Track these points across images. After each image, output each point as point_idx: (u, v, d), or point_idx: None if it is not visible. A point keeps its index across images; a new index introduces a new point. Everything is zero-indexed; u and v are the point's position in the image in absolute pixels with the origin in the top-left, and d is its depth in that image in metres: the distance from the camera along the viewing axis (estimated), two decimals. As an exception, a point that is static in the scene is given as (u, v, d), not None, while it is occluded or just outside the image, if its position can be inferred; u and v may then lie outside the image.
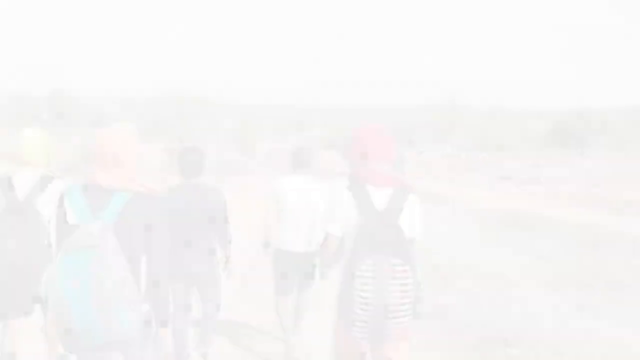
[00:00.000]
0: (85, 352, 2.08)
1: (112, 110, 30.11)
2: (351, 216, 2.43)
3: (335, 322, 2.51)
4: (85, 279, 2.02)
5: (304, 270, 3.91)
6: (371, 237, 2.37)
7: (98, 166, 2.27)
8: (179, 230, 3.27)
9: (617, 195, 14.88)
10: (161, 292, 2.25)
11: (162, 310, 2.23)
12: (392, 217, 2.42)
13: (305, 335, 4.09)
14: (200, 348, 3.75)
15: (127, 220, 2.18)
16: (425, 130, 74.53)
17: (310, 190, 3.91)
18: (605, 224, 10.67)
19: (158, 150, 16.85)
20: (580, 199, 14.52)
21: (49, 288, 2.11)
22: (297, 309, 4.11)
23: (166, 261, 2.32)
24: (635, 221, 11.03)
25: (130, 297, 2.08)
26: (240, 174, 18.11)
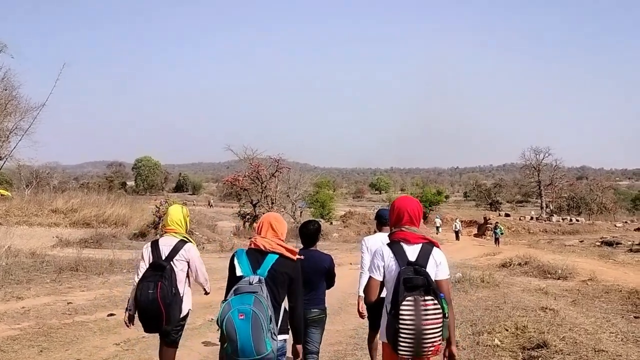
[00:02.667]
0: None
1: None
2: (391, 266, 3.37)
3: (383, 345, 3.44)
4: (247, 314, 3.16)
5: None
6: (407, 282, 3.21)
7: (258, 233, 3.62)
8: (307, 284, 4.34)
9: None
10: (298, 327, 3.62)
11: (297, 338, 3.66)
12: (421, 265, 3.31)
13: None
14: None
15: (275, 275, 3.46)
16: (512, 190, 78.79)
17: None
18: None
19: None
20: None
21: (224, 320, 3.17)
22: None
23: (302, 310, 3.65)
24: None
25: (272, 330, 3.24)
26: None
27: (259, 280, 3.33)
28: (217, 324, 3.23)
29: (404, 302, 3.15)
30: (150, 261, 4.43)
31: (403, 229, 3.49)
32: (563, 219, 45.38)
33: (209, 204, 60.22)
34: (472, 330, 7.44)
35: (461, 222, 42.05)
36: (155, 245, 4.52)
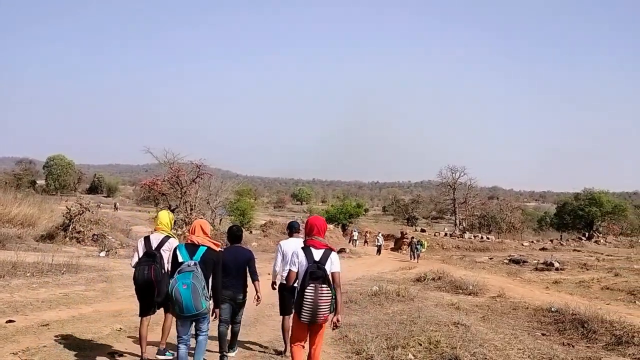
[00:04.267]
0: (185, 319, 5.23)
1: None
2: (303, 262, 5.18)
3: (293, 315, 5.25)
4: (188, 285, 5.06)
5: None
6: (312, 274, 5.05)
7: (192, 232, 5.60)
8: (228, 271, 6.30)
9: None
10: (216, 295, 5.61)
11: (216, 303, 5.63)
12: (322, 263, 5.12)
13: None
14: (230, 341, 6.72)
15: (205, 260, 5.40)
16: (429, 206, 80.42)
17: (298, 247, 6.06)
18: None
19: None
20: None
21: (172, 290, 5.08)
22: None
23: (220, 284, 5.68)
24: None
25: (205, 295, 5.17)
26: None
27: (195, 264, 5.25)
28: (169, 292, 5.15)
29: (307, 287, 5.00)
30: (144, 251, 6.12)
31: (313, 238, 5.31)
32: (475, 236, 47.24)
33: (114, 207, 57.65)
34: (387, 344, 7.49)
35: (384, 237, 42.78)
36: (147, 239, 6.25)
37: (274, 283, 6.97)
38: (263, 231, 42.84)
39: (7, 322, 7.84)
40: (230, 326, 6.57)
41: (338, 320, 5.09)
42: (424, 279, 17.40)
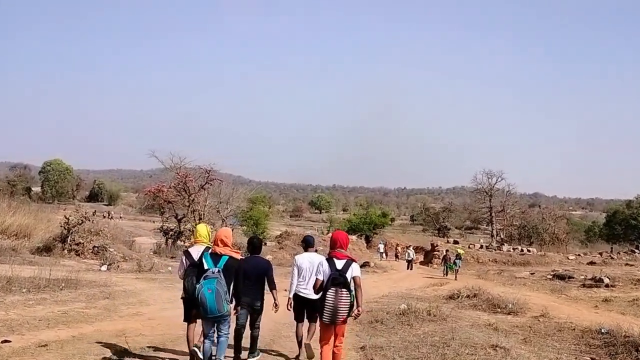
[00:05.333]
0: (209, 319, 6.67)
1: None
2: (327, 271, 6.53)
3: (319, 318, 6.58)
4: (212, 289, 6.49)
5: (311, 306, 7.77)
6: (334, 280, 6.40)
7: (215, 244, 7.04)
8: (248, 279, 7.26)
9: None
10: (237, 302, 7.14)
11: (235, 306, 7.13)
12: (343, 272, 6.47)
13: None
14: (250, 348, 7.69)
15: (227, 267, 6.81)
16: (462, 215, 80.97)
17: (314, 262, 7.67)
18: None
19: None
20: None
21: (199, 293, 6.50)
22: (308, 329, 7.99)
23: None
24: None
25: (227, 299, 6.64)
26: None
27: (218, 271, 6.64)
28: (195, 296, 6.55)
29: (328, 291, 6.38)
30: (189, 262, 7.17)
31: (336, 250, 6.73)
32: (514, 249, 46.83)
33: (109, 216, 58.21)
34: (418, 369, 7.46)
35: (415, 249, 42.37)
36: (188, 253, 7.29)
37: (289, 303, 7.88)
38: (278, 242, 42.97)
39: (2, 342, 7.96)
40: (249, 331, 7.55)
41: (359, 312, 6.50)
42: (458, 297, 17.28)
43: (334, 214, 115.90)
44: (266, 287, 7.44)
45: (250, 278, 7.25)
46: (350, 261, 6.57)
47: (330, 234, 7.66)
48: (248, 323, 7.47)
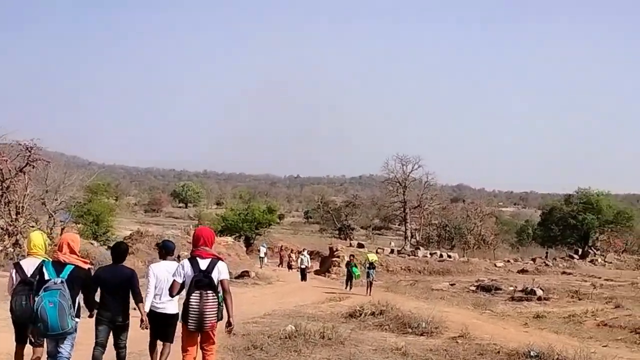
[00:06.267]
0: (50, 337, 7.23)
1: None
2: (189, 273, 7.37)
3: (182, 325, 7.45)
4: (54, 303, 7.03)
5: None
6: (197, 282, 7.24)
7: (59, 250, 7.56)
8: (107, 291, 7.95)
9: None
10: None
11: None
12: (208, 272, 7.32)
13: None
14: None
15: (72, 278, 7.34)
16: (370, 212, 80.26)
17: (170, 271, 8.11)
18: None
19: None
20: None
21: (38, 308, 7.01)
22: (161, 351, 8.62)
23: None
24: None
25: (72, 314, 7.21)
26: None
27: (62, 282, 7.11)
28: (35, 312, 6.99)
29: (192, 295, 7.15)
30: (19, 279, 7.55)
31: (199, 248, 7.48)
32: (431, 254, 48.30)
33: None
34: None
35: (309, 254, 42.16)
36: (19, 266, 7.72)
37: (142, 321, 8.25)
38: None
39: None
40: (111, 352, 8.07)
41: (230, 324, 7.29)
42: (360, 314, 17.63)
43: (204, 208, 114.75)
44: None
45: (110, 290, 7.88)
46: (215, 260, 7.39)
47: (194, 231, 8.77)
48: (111, 342, 8.03)
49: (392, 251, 48.71)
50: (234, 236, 53.85)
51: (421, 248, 52.98)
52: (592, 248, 56.87)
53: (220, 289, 7.30)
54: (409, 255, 47.20)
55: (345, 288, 30.90)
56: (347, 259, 36.61)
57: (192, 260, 7.34)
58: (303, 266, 37.36)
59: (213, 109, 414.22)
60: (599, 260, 49.01)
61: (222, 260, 7.46)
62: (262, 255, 46.05)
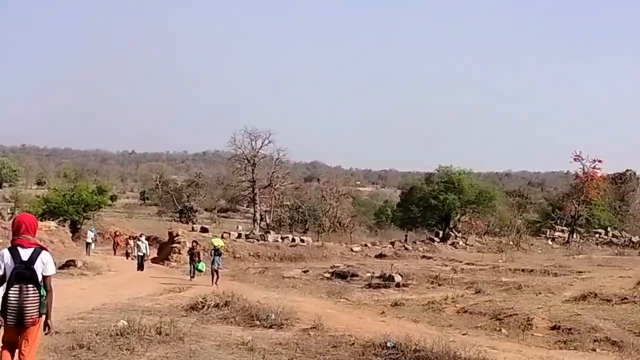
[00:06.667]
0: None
1: None
2: (9, 264, 7.46)
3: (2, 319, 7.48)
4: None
5: None
6: (18, 275, 7.41)
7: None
8: None
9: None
10: None
11: None
12: (30, 264, 7.47)
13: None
14: None
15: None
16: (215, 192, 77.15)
17: None
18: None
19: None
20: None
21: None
22: None
23: None
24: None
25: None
26: None
27: None
28: None
29: (11, 288, 7.30)
30: None
31: (21, 237, 7.52)
32: (283, 238, 48.76)
33: None
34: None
35: (147, 240, 41.22)
36: None
37: None
38: None
39: None
40: None
41: (49, 326, 7.60)
42: (203, 306, 17.55)
43: (22, 188, 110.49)
44: None
45: None
46: (39, 249, 7.56)
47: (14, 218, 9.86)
48: None
49: (239, 235, 48.86)
50: (57, 220, 51.98)
51: (272, 232, 53.39)
52: (453, 230, 59.26)
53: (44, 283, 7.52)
54: (258, 240, 47.45)
55: (191, 278, 30.59)
56: (189, 245, 36.37)
57: (13, 250, 7.43)
58: (140, 254, 36.68)
59: (35, 76, 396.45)
60: (460, 243, 51.27)
61: (46, 250, 7.59)
62: (89, 240, 44.88)
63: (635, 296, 21.20)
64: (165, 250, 44.95)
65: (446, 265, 34.50)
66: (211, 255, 30.39)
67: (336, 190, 73.65)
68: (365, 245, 49.80)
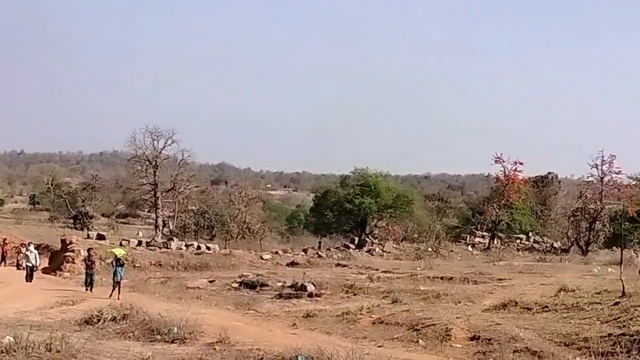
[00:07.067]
0: None
1: None
2: None
3: None
4: None
5: None
6: None
7: None
8: None
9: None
10: None
11: None
12: None
13: None
14: None
15: None
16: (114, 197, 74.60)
17: None
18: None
19: None
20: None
21: None
22: None
23: None
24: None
25: None
26: None
27: None
28: None
29: None
30: None
31: None
32: (187, 246, 48.40)
33: None
34: None
35: (37, 249, 40.21)
36: None
37: None
38: None
39: None
40: None
41: None
42: (99, 320, 17.33)
43: None
44: None
45: None
46: None
47: None
48: None
49: (139, 243, 48.23)
50: None
51: (175, 239, 52.90)
52: (369, 236, 59.76)
53: None
54: (160, 248, 46.93)
55: (86, 290, 29.98)
56: (84, 253, 35.73)
57: None
58: (29, 264, 35.86)
59: None
60: (377, 249, 51.76)
61: None
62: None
63: (556, 304, 21.85)
64: (57, 259, 44.01)
65: (362, 274, 34.78)
66: (112, 265, 29.79)
67: (245, 194, 73.42)
68: (276, 252, 49.80)
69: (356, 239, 57.40)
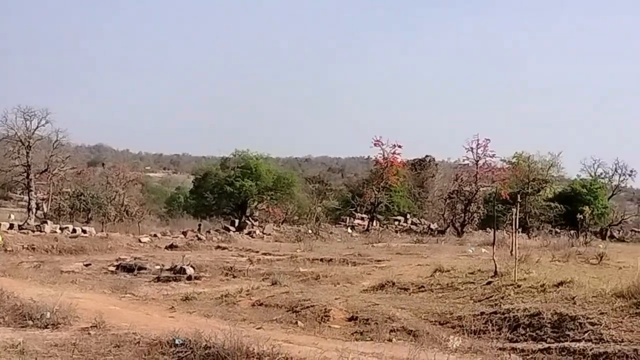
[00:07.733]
0: None
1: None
2: None
3: None
4: None
5: None
6: None
7: None
8: None
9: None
10: None
11: None
12: None
13: None
14: None
15: None
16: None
17: None
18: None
19: None
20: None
21: None
22: None
23: None
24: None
25: None
26: None
27: None
28: None
29: None
30: None
31: None
32: (62, 229, 47.41)
33: None
34: None
35: None
36: None
37: None
38: None
39: None
40: None
41: None
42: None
43: None
44: None
45: None
46: None
47: None
48: None
49: (11, 226, 47.01)
50: None
51: (49, 222, 51.65)
52: (250, 218, 59.86)
53: None
54: (33, 231, 45.84)
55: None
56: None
57: None
58: None
59: None
60: (257, 232, 51.96)
61: None
62: None
63: (431, 284, 22.52)
64: None
65: (242, 256, 34.86)
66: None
67: (123, 176, 72.24)
68: (155, 235, 49.31)
69: (236, 221, 57.31)
